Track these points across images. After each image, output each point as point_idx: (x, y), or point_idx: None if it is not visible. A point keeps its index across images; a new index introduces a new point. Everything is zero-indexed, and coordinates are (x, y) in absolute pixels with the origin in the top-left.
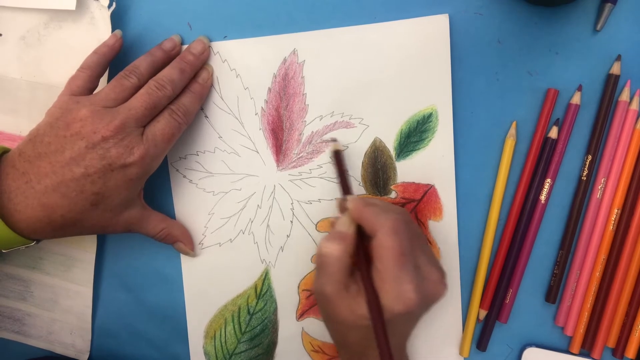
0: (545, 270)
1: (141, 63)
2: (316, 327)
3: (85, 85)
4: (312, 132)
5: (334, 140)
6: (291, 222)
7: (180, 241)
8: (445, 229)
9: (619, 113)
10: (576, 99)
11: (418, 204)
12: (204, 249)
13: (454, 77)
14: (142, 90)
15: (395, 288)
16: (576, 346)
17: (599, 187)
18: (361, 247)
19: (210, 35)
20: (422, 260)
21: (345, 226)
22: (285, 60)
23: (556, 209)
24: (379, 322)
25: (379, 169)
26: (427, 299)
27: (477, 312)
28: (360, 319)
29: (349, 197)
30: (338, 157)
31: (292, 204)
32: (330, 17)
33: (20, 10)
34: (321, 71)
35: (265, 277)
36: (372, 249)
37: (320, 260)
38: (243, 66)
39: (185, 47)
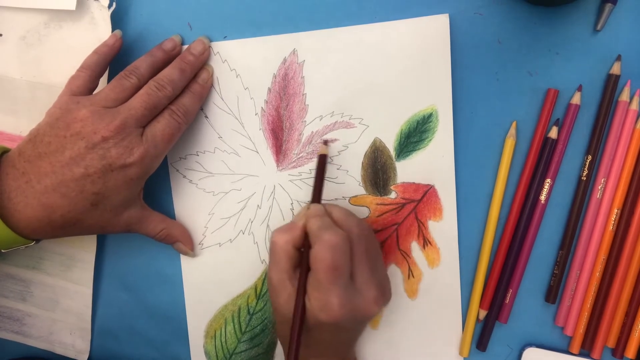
0: (545, 270)
1: (141, 63)
2: None
3: (85, 85)
4: (312, 132)
5: (327, 143)
6: None
7: (179, 241)
8: (445, 229)
9: (619, 113)
10: (576, 99)
11: (418, 204)
12: (204, 249)
13: (454, 77)
14: (142, 91)
15: (321, 298)
16: (576, 346)
17: (599, 187)
18: (306, 251)
19: (210, 35)
20: (362, 277)
21: (298, 218)
22: (285, 60)
23: (556, 209)
24: (297, 322)
25: (378, 169)
26: (356, 313)
27: (477, 312)
28: (291, 313)
29: (312, 204)
30: (321, 162)
31: (292, 204)
32: (330, 17)
33: (20, 10)
34: (321, 71)
35: (265, 277)
36: (310, 258)
37: (270, 247)
38: (243, 66)
39: (185, 47)
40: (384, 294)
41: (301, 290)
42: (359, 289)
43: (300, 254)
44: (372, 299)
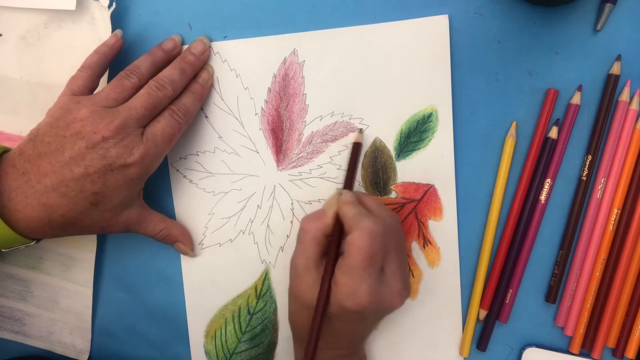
0: (545, 270)
1: (142, 63)
2: None
3: (85, 85)
4: (312, 132)
5: (360, 130)
6: (291, 222)
7: (179, 241)
8: (445, 229)
9: (619, 113)
10: (576, 99)
11: (418, 204)
12: (204, 249)
13: (454, 77)
14: (142, 91)
15: (351, 285)
16: (576, 346)
17: (599, 187)
18: (336, 237)
19: (210, 35)
20: (390, 269)
21: (328, 206)
22: (285, 60)
23: (556, 209)
24: (321, 308)
25: (379, 169)
26: (381, 305)
27: (477, 312)
28: (314, 300)
29: (344, 190)
30: (356, 149)
31: (292, 204)
32: (330, 17)
33: (20, 10)
34: (321, 71)
35: (265, 277)
36: (345, 244)
37: (299, 234)
38: (243, 66)
39: (185, 47)
40: (407, 289)
41: (328, 276)
42: (387, 281)
43: (328, 243)
44: (398, 292)
